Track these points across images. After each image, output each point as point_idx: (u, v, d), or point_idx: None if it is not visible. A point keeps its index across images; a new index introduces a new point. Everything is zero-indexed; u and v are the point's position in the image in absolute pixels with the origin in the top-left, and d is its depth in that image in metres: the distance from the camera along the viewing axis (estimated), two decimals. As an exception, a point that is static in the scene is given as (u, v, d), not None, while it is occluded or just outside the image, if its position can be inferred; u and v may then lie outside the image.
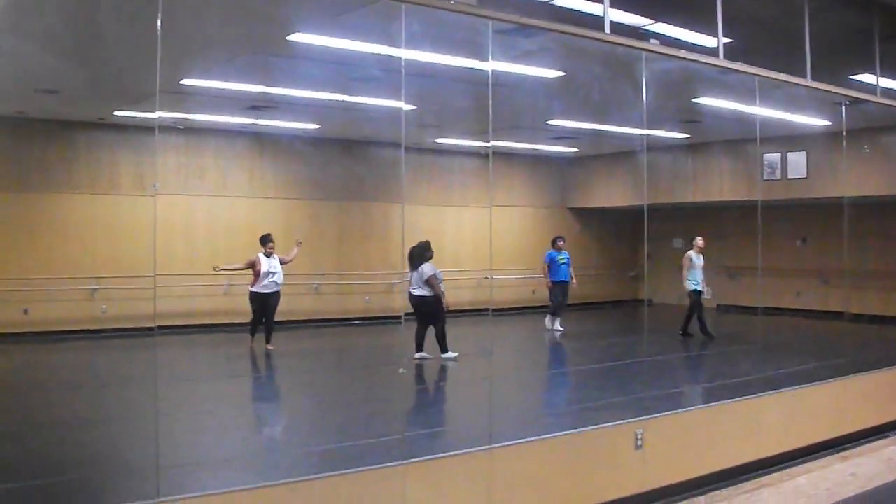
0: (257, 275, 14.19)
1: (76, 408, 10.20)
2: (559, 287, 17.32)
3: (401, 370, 6.79)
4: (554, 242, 17.58)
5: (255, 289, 14.28)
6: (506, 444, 6.48)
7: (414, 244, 13.37)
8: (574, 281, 17.57)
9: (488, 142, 19.07)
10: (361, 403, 10.53)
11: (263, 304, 14.26)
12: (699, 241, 16.20)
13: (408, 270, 13.40)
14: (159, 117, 15.19)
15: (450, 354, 13.12)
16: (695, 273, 15.97)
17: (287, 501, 5.40)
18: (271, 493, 5.43)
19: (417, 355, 13.27)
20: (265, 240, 14.34)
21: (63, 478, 6.78)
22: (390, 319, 18.45)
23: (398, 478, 5.76)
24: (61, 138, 16.15)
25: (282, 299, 14.46)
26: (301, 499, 5.40)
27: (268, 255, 14.26)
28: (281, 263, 14.41)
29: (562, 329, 17.32)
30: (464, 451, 6.31)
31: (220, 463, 7.62)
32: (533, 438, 6.90)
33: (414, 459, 5.84)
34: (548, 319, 17.66)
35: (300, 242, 15.03)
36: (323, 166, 19.01)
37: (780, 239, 18.83)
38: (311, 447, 8.26)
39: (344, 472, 5.93)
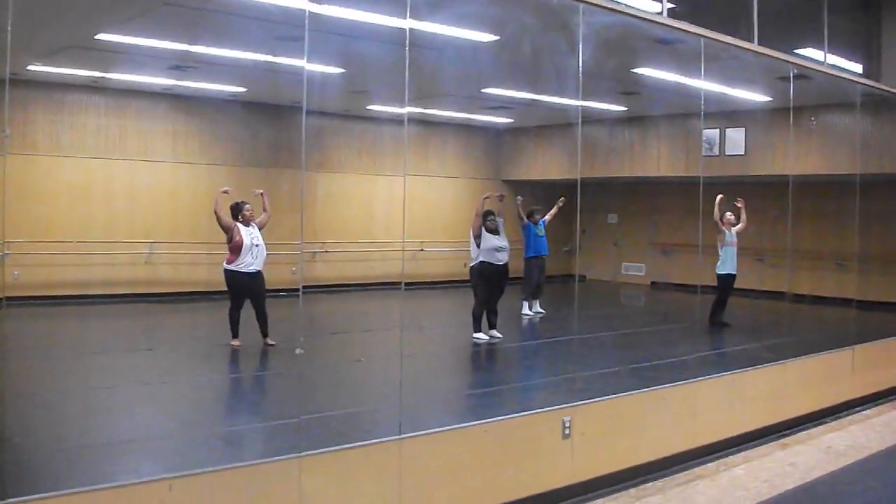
0: (237, 249, 11.30)
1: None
2: (535, 262, 15.12)
3: (298, 350, 6.14)
4: (531, 215, 15.30)
5: (233, 267, 11.33)
6: (418, 433, 5.85)
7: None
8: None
9: (421, 108, 18.65)
10: (273, 379, 10.04)
11: (248, 288, 11.38)
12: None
13: (477, 238, 12.35)
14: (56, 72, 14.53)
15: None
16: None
17: (164, 500, 4.71)
18: (145, 490, 4.73)
19: (480, 336, 12.26)
20: (239, 208, 11.48)
21: None
22: (318, 289, 18.01)
23: (293, 471, 5.11)
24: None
25: (196, 270, 12.97)
26: (178, 499, 4.71)
27: (246, 223, 11.46)
28: (259, 230, 11.59)
29: (543, 311, 15.49)
30: (370, 441, 5.69)
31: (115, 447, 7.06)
32: (449, 427, 6.29)
33: (310, 452, 5.18)
34: (525, 305, 15.47)
35: (261, 192, 11.97)
36: (249, 132, 18.29)
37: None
38: (215, 428, 7.83)
39: (222, 467, 5.22)
